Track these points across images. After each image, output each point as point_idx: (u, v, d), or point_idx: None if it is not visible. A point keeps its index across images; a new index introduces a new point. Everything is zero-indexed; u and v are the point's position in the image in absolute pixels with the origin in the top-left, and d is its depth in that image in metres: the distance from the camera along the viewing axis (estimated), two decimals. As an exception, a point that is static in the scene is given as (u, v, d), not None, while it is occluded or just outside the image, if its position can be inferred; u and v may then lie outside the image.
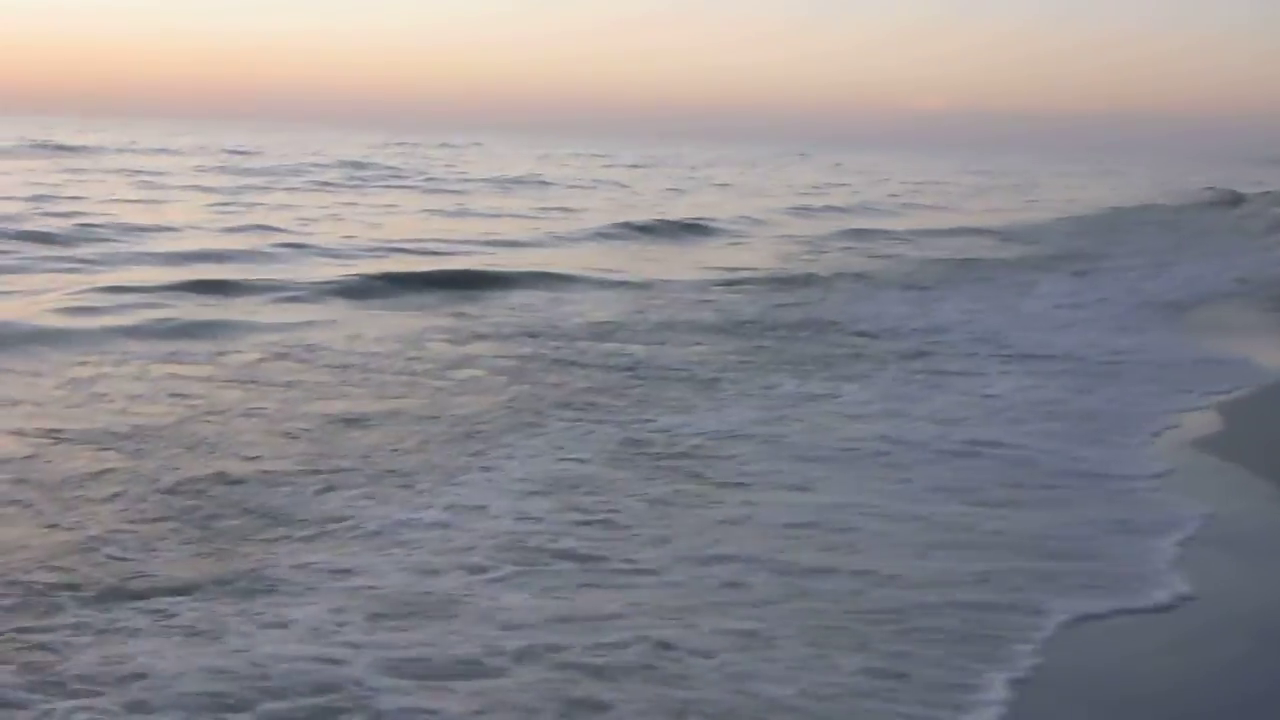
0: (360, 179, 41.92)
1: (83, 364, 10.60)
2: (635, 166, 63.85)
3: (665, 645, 5.12)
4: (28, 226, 21.05)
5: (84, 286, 15.31)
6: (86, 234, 20.86)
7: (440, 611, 5.44)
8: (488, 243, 22.92)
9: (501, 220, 27.82)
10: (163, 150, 58.83)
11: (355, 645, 5.05)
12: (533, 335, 12.93)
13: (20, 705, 4.46)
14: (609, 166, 61.66)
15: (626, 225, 26.49)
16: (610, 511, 6.95)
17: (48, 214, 23.78)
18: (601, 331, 13.31)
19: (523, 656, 5.01)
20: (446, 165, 54.80)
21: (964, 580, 6.01)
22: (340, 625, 5.25)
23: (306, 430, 8.52)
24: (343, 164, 49.26)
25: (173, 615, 5.28)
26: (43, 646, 4.92)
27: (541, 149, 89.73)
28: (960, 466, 8.13)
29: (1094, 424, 9.43)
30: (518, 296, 16.17)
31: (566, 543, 6.41)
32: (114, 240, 20.52)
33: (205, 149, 61.95)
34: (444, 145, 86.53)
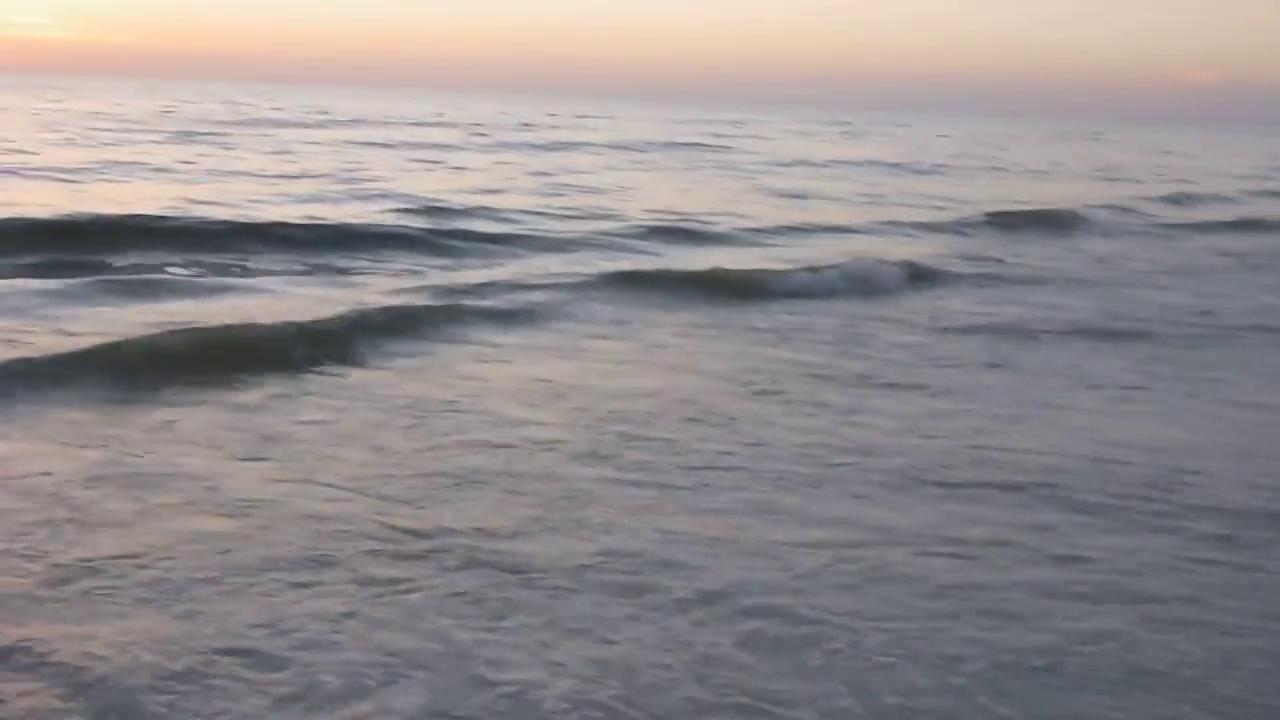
0: (683, 155, 39.44)
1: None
2: (932, 137, 59.52)
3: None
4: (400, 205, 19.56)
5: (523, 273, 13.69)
6: (445, 213, 19.00)
7: None
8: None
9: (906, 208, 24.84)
10: (440, 122, 58.27)
11: None
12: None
13: None
14: (924, 141, 57.26)
15: (1012, 214, 22.98)
16: None
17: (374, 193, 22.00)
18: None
19: None
20: (739, 141, 51.85)
21: None
22: None
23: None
24: (650, 143, 46.52)
25: None
26: None
27: (812, 125, 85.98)
28: None
29: None
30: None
31: None
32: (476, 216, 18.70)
33: (456, 122, 60.76)
34: (710, 120, 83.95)
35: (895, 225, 21.04)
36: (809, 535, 5.65)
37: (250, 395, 7.82)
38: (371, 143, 37.81)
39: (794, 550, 5.45)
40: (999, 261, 16.82)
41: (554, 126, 58.04)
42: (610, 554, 5.32)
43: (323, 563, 5.13)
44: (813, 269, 14.38)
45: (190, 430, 6.98)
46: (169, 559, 5.10)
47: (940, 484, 6.45)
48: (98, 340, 8.62)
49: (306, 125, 47.79)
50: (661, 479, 6.40)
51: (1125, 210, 26.48)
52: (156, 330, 8.98)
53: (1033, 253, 18.26)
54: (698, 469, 6.60)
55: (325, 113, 61.49)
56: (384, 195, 21.33)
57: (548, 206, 21.03)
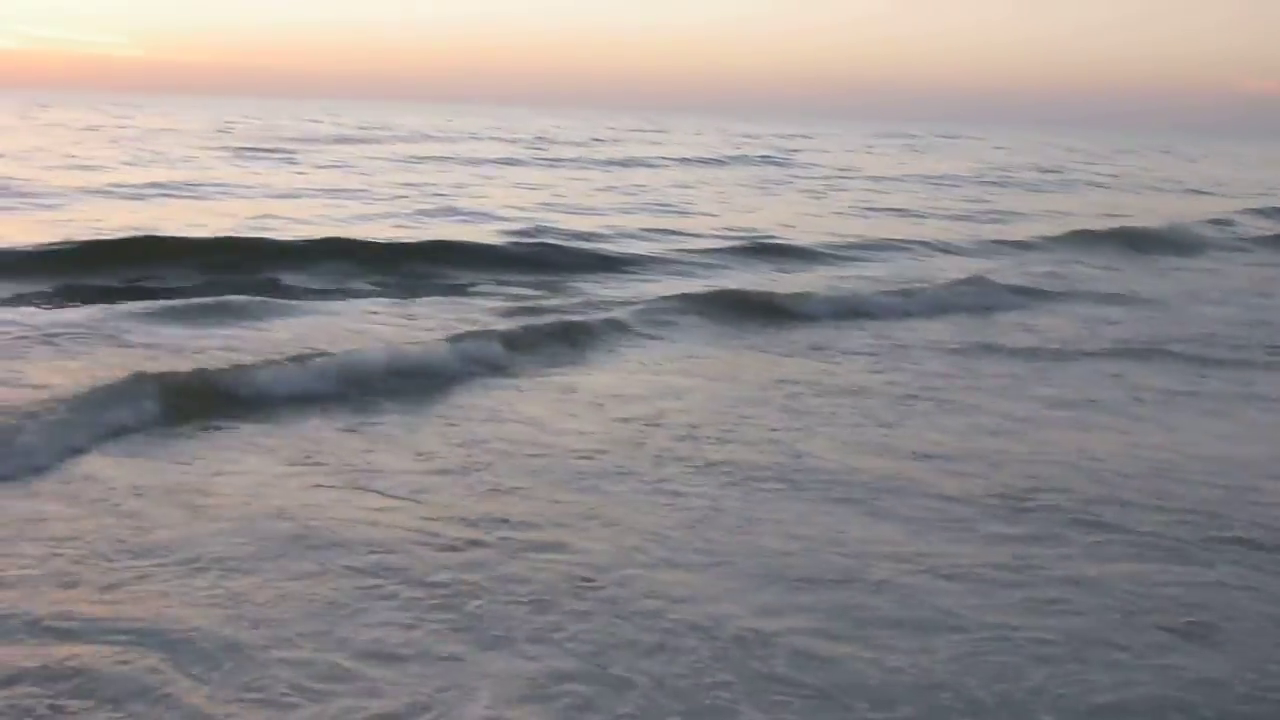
0: (754, 171, 39.11)
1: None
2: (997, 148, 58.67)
3: None
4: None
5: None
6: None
7: None
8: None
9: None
10: (500, 137, 58.27)
11: None
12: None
13: None
14: (987, 149, 56.49)
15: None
16: None
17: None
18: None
19: None
20: (807, 155, 51.44)
21: None
22: None
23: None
24: (723, 158, 45.97)
25: None
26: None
27: (872, 139, 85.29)
28: None
29: None
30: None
31: None
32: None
33: (516, 136, 60.70)
34: (781, 134, 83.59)
35: (970, 241, 20.70)
36: (858, 551, 5.54)
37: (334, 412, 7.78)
38: (438, 157, 37.88)
39: (845, 563, 5.37)
40: (1075, 279, 16.40)
41: (617, 141, 57.89)
42: (664, 571, 5.25)
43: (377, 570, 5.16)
44: (895, 288, 14.17)
45: (231, 440, 7.11)
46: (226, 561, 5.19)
47: (992, 504, 6.27)
48: (189, 364, 8.56)
49: (368, 141, 48.12)
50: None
51: (1210, 224, 25.79)
52: (232, 360, 8.85)
53: (1117, 271, 17.81)
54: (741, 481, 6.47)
55: (386, 128, 61.98)
56: (458, 211, 21.28)
57: (625, 225, 20.77)
